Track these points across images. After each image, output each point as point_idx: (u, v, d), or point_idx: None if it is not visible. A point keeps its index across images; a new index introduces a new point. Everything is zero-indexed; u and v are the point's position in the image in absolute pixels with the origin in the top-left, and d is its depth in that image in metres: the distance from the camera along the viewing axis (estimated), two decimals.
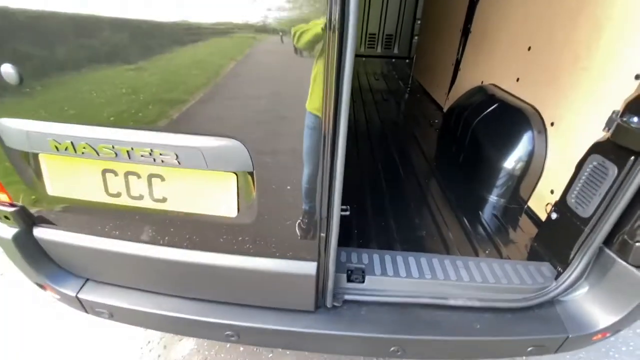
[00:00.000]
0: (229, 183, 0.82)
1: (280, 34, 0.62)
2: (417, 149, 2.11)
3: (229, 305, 1.09)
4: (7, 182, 0.95)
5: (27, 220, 1.02)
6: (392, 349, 1.05)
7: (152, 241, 0.97)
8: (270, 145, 0.76)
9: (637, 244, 0.92)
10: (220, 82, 0.70)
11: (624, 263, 0.96)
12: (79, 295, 1.11)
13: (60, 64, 0.72)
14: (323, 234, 0.88)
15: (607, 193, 0.98)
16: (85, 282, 1.15)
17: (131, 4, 0.65)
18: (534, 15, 1.59)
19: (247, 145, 0.75)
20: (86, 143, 0.78)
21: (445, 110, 2.49)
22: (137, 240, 0.98)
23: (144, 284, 1.10)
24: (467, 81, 2.25)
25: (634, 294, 0.98)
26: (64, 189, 0.93)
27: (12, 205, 1.00)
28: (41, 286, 1.17)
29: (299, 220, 0.86)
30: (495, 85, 1.86)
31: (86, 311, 1.16)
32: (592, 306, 1.08)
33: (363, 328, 1.03)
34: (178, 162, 0.77)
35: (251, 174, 0.81)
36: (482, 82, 2.02)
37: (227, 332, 1.06)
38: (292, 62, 0.65)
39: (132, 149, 0.77)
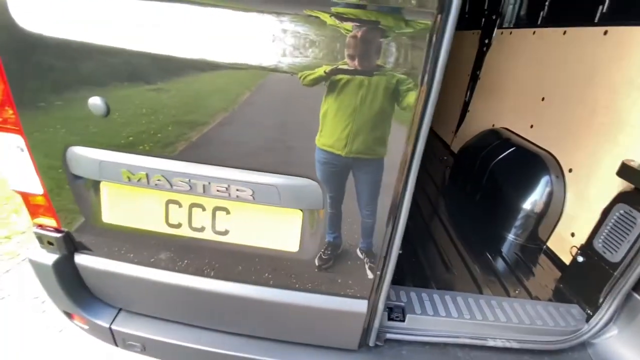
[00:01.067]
0: (295, 219, 0.85)
1: (374, 88, 0.68)
2: (432, 184, 2.19)
3: (268, 341, 1.07)
4: (61, 208, 0.94)
5: (69, 246, 1.00)
6: None
7: (200, 273, 0.96)
8: (342, 187, 0.79)
9: None
10: (300, 125, 0.74)
11: None
12: (112, 327, 1.07)
13: (149, 99, 0.75)
14: (379, 272, 0.90)
15: (636, 240, 1.04)
16: (118, 312, 1.11)
17: (214, 50, 0.69)
18: (548, 71, 1.73)
19: (322, 185, 0.78)
20: (162, 175, 0.80)
21: (453, 148, 2.61)
22: (185, 271, 0.97)
23: (184, 316, 1.07)
24: (476, 123, 2.38)
25: None
26: (120, 217, 0.92)
27: (58, 231, 0.98)
28: (69, 315, 1.13)
29: (358, 259, 0.88)
30: (508, 129, 1.98)
31: (116, 344, 1.11)
32: (623, 348, 1.11)
33: None
34: (252, 197, 0.79)
35: (317, 212, 0.83)
36: (493, 125, 2.15)
37: None
38: (379, 115, 0.70)
39: (209, 183, 0.79)
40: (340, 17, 0.63)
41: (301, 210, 0.84)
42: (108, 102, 0.74)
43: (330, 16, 0.63)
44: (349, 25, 0.63)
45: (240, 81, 0.72)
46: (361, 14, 0.63)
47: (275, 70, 0.68)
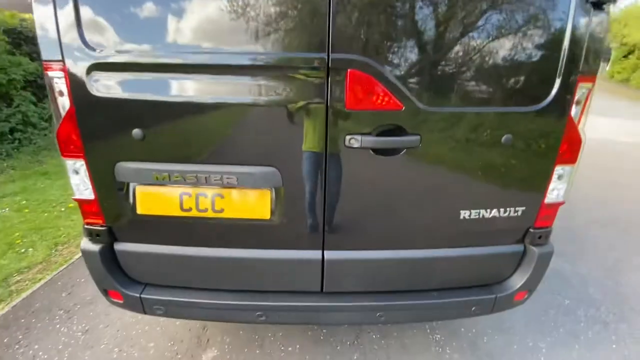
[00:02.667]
0: (266, 195, 1.31)
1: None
2: None
3: (252, 292, 1.48)
4: (105, 207, 1.37)
5: (110, 237, 1.42)
6: None
7: (206, 244, 1.40)
8: (292, 171, 1.28)
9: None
10: (269, 135, 1.24)
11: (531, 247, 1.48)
12: (142, 295, 1.46)
13: (169, 129, 1.24)
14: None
15: None
16: (145, 286, 1.50)
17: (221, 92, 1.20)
18: None
19: (281, 170, 1.27)
20: (178, 174, 1.27)
21: None
22: (195, 244, 1.41)
23: (198, 280, 1.48)
24: None
25: (530, 262, 1.50)
26: (147, 209, 1.37)
27: (103, 226, 1.41)
28: (105, 292, 1.51)
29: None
30: None
31: (144, 311, 1.50)
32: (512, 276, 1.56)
33: None
34: (237, 182, 1.27)
35: (279, 189, 1.31)
36: None
37: (258, 313, 1.45)
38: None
39: (209, 175, 1.26)
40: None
41: (269, 189, 1.31)
42: (144, 132, 1.23)
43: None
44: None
45: (231, 115, 1.23)
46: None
47: (259, 105, 1.20)
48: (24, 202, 3.70)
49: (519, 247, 1.48)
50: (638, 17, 17.39)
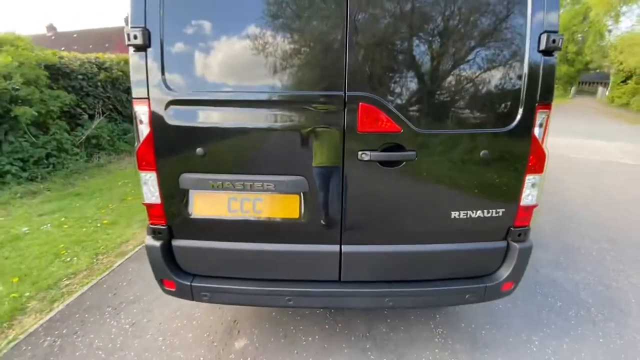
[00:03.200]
0: (296, 199, 1.66)
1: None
2: None
3: (287, 281, 1.79)
4: (167, 210, 1.73)
5: (169, 235, 1.77)
6: None
7: (247, 239, 1.74)
8: (318, 180, 1.63)
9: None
10: (300, 151, 1.61)
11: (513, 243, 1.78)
12: (192, 284, 1.78)
13: (223, 147, 1.62)
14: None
15: None
16: (194, 277, 1.83)
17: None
18: None
19: (307, 179, 1.62)
20: (229, 182, 1.63)
21: None
22: (238, 239, 1.74)
23: (240, 271, 1.80)
24: None
25: (513, 256, 1.79)
26: (201, 211, 1.72)
27: (165, 225, 1.76)
28: (161, 282, 1.83)
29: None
30: None
31: (192, 297, 1.81)
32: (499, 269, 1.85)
33: None
34: (274, 188, 1.63)
35: (307, 194, 1.66)
36: None
37: (287, 298, 1.75)
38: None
39: (252, 183, 1.62)
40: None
41: (299, 194, 1.66)
42: (205, 150, 1.61)
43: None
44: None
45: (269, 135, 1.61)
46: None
47: (292, 129, 1.58)
48: (63, 219, 4.09)
49: (502, 244, 1.78)
50: (631, 45, 18.09)
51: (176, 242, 1.78)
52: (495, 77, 1.56)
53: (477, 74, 1.56)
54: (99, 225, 3.91)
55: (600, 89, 28.94)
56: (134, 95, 1.58)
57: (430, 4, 1.49)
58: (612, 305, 2.58)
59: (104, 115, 7.02)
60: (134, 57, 1.54)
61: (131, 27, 1.49)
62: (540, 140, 1.63)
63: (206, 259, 1.80)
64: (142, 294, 2.60)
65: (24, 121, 5.46)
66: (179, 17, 1.50)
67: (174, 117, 1.58)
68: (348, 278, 1.78)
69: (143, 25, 1.48)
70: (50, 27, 32.55)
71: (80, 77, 6.81)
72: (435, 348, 2.11)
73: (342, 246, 1.73)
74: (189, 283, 1.79)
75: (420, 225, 1.73)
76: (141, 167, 1.67)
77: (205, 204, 1.71)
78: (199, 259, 1.81)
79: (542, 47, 1.49)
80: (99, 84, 7.18)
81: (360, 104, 1.51)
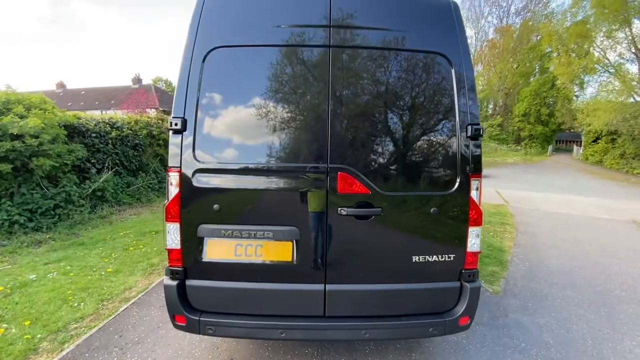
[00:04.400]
0: (290, 245, 2.09)
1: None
2: None
3: (280, 317, 2.13)
4: (185, 254, 2.13)
5: (184, 275, 2.15)
6: None
7: (250, 279, 2.12)
8: (306, 230, 2.08)
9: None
10: (293, 207, 2.09)
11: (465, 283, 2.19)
12: (200, 318, 2.11)
13: (237, 204, 2.10)
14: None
15: None
16: (201, 313, 2.16)
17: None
18: None
19: (299, 229, 2.07)
20: (237, 231, 2.07)
21: None
22: (241, 280, 2.12)
23: (239, 307, 2.14)
24: None
25: (466, 294, 2.19)
26: (212, 255, 2.12)
27: (181, 267, 2.15)
28: (173, 317, 2.16)
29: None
30: None
31: (199, 331, 2.12)
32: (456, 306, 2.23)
33: None
34: (272, 236, 2.06)
35: (298, 240, 2.09)
36: None
37: (280, 331, 2.08)
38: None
39: (255, 232, 2.06)
40: None
41: (292, 241, 2.10)
42: (221, 206, 2.07)
43: None
44: None
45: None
46: None
47: (288, 190, 2.08)
48: (68, 267, 4.35)
49: (456, 284, 2.19)
50: (595, 109, 20.03)
51: (189, 282, 2.15)
52: (439, 154, 2.13)
53: (426, 151, 2.13)
54: (103, 273, 4.17)
55: (575, 147, 30.98)
56: (169, 165, 2.08)
57: (385, 106, 2.11)
58: (570, 345, 2.90)
59: (112, 170, 7.54)
60: (172, 138, 2.07)
61: (173, 117, 2.05)
62: (477, 201, 2.14)
63: (213, 296, 2.16)
64: (145, 336, 2.84)
65: (39, 173, 5.95)
66: (207, 111, 2.08)
67: (198, 182, 2.07)
68: (332, 313, 2.14)
69: (182, 116, 2.05)
70: (60, 85, 34.66)
71: (94, 135, 7.47)
72: None
73: (326, 285, 2.11)
74: (197, 318, 2.12)
75: (389, 267, 2.15)
76: (168, 219, 2.11)
77: (216, 249, 2.13)
78: (208, 296, 2.16)
79: (469, 134, 2.08)
80: (109, 141, 7.83)
81: (339, 173, 2.04)
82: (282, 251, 2.11)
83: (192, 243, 2.12)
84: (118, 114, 9.17)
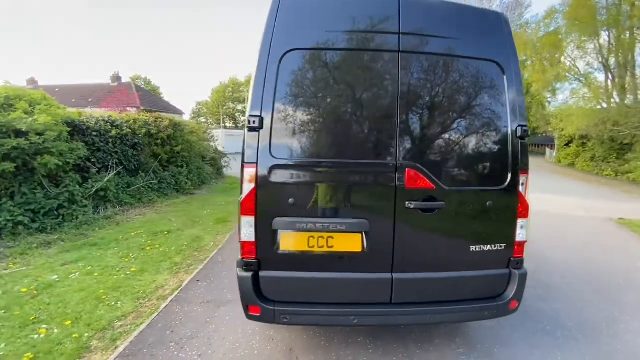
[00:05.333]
0: (359, 237, 2.24)
1: None
2: None
3: (350, 305, 2.27)
4: (259, 246, 2.23)
5: (258, 267, 2.24)
6: None
7: (322, 269, 2.24)
8: (376, 222, 2.24)
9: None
10: (363, 201, 2.24)
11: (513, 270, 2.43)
12: (275, 308, 2.21)
13: (310, 198, 2.22)
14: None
15: None
16: (275, 302, 2.25)
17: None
18: None
19: (369, 221, 2.22)
20: (311, 224, 2.19)
21: None
22: (313, 270, 2.25)
23: (312, 296, 2.26)
24: None
25: (515, 280, 2.41)
26: (286, 247, 2.23)
27: (255, 259, 2.24)
28: (247, 307, 2.24)
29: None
30: None
31: (274, 320, 2.22)
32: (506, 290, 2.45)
33: None
34: (343, 229, 2.20)
35: (368, 232, 2.24)
36: None
37: (352, 317, 2.22)
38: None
39: (328, 225, 2.19)
40: None
41: (361, 232, 2.24)
42: (295, 200, 2.19)
43: None
44: None
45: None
46: None
47: (360, 184, 2.23)
48: (89, 267, 4.26)
49: (506, 271, 2.41)
50: (568, 115, 21.33)
51: (263, 273, 2.25)
52: (493, 152, 2.35)
53: (481, 149, 2.34)
54: (127, 273, 4.13)
55: (548, 150, 32.75)
56: (246, 161, 2.18)
57: (447, 107, 2.31)
58: (587, 326, 3.20)
59: (116, 170, 7.36)
60: (249, 135, 2.17)
61: (250, 115, 2.16)
62: (524, 195, 2.37)
63: (286, 286, 2.27)
64: (197, 331, 2.89)
65: (42, 172, 5.74)
66: (282, 110, 2.19)
67: (274, 177, 2.18)
68: (398, 300, 2.30)
69: (259, 114, 2.15)
70: (31, 81, 32.93)
71: (94, 133, 7.26)
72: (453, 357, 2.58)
73: (393, 274, 2.28)
74: (272, 308, 2.22)
75: (450, 256, 2.34)
76: (243, 213, 2.20)
77: (290, 241, 2.24)
78: (281, 286, 2.27)
79: (518, 134, 2.31)
80: (110, 140, 7.63)
81: (406, 169, 2.21)
82: (352, 242, 2.25)
83: (266, 236, 2.22)
84: (97, 112, 8.86)
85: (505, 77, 2.33)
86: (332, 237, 2.24)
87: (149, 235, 5.64)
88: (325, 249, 2.24)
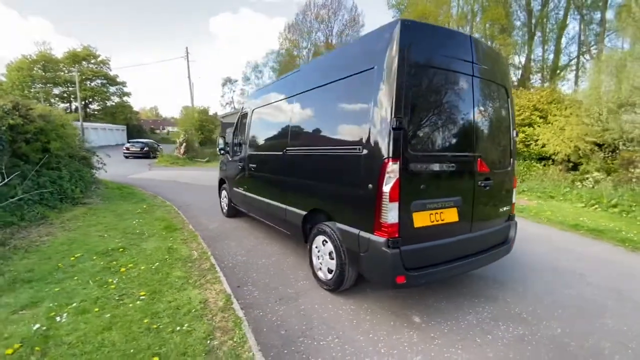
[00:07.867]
0: (455, 210, 3.07)
1: None
2: None
3: (456, 259, 3.08)
4: (400, 226, 2.72)
5: (399, 243, 2.73)
6: None
7: (438, 238, 2.95)
8: (464, 197, 3.11)
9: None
10: (457, 184, 3.07)
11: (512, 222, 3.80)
12: (417, 274, 2.77)
13: (434, 184, 2.88)
14: None
15: None
16: (411, 270, 2.79)
17: None
18: None
19: (461, 197, 3.08)
20: (433, 203, 2.87)
21: None
22: (433, 239, 2.93)
23: (433, 259, 2.92)
24: None
25: (514, 227, 3.81)
26: (418, 224, 2.82)
27: (397, 237, 2.72)
28: (394, 278, 2.70)
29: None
30: None
31: (415, 283, 2.77)
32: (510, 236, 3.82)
33: None
34: (449, 205, 2.98)
35: (460, 206, 3.09)
36: None
37: (468, 267, 3.04)
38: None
39: (444, 203, 2.92)
40: None
41: (457, 207, 3.08)
42: (426, 186, 2.81)
43: None
44: None
45: None
46: None
47: (454, 171, 3.05)
48: (73, 305, 3.26)
49: (510, 222, 3.79)
50: None
51: (404, 248, 2.75)
52: (507, 147, 3.65)
53: (504, 145, 3.60)
54: (142, 298, 3.43)
55: None
56: (392, 156, 2.65)
57: (493, 116, 3.43)
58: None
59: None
60: (394, 134, 2.64)
61: (395, 117, 2.62)
62: (514, 173, 3.79)
63: (419, 254, 2.86)
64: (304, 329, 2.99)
65: None
66: (414, 114, 2.76)
67: (413, 167, 2.73)
68: (474, 251, 3.27)
69: (402, 116, 2.65)
70: None
71: None
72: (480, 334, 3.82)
73: (472, 233, 3.23)
74: (414, 274, 2.77)
75: (493, 216, 3.50)
76: (391, 200, 2.65)
77: (420, 219, 2.85)
78: (416, 256, 2.83)
79: (515, 135, 3.69)
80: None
81: (478, 159, 3.19)
82: (452, 214, 3.06)
83: (406, 217, 2.75)
84: None
85: (509, 99, 3.65)
86: (442, 212, 2.98)
87: (100, 257, 4.50)
88: (439, 222, 2.96)
